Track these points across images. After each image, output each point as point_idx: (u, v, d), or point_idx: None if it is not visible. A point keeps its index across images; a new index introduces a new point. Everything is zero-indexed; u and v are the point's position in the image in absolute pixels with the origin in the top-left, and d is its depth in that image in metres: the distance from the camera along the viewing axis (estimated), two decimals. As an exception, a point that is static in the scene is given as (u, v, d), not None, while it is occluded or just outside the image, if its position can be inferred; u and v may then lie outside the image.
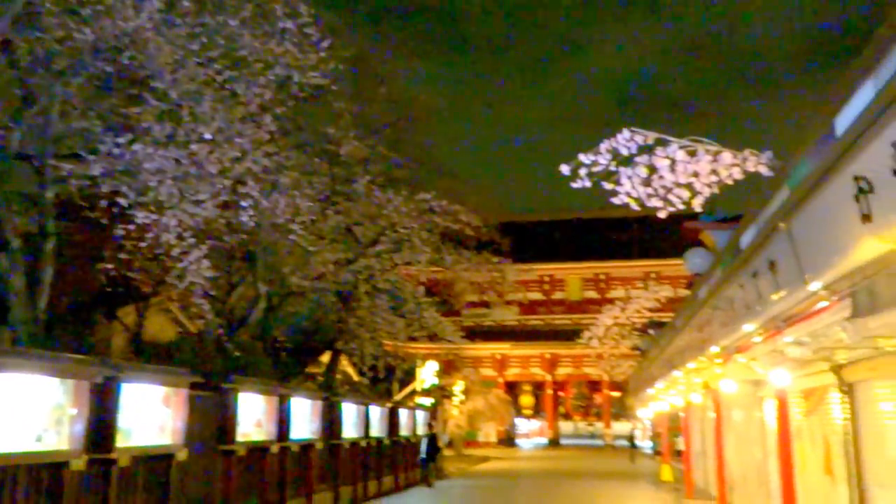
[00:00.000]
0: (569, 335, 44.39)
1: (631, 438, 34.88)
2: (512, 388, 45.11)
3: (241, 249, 15.56)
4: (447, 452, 27.84)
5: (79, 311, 17.84)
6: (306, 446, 13.13)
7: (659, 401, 17.34)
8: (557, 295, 48.10)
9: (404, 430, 19.40)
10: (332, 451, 14.61)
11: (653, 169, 4.63)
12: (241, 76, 9.39)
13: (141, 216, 9.23)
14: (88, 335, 18.25)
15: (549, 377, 45.75)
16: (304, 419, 13.14)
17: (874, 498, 7.51)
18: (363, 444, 16.26)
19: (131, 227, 9.63)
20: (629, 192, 4.70)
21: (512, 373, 46.20)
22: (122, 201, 9.28)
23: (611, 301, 46.85)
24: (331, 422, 14.58)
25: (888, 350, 6.80)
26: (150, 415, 8.41)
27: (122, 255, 11.42)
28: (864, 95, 3.27)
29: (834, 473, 8.52)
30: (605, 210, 51.73)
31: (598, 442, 47.32)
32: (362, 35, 15.46)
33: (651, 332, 18.79)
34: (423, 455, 19.47)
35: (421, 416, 21.82)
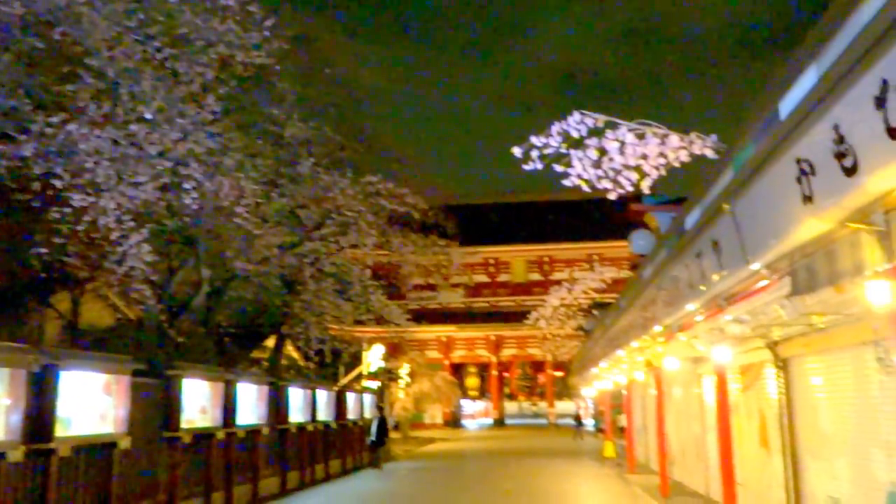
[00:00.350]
0: (514, 317, 45.13)
1: (577, 417, 35.69)
2: (458, 369, 45.50)
3: (182, 233, 15.17)
4: (394, 435, 27.93)
5: (9, 299, 17.15)
6: (253, 432, 12.98)
7: (602, 379, 17.74)
8: (502, 277, 48.58)
9: (351, 414, 19.37)
10: (279, 436, 14.49)
11: (603, 151, 4.70)
12: (181, 54, 9.09)
13: (77, 199, 8.89)
14: (20, 323, 17.57)
15: (494, 359, 46.29)
16: (251, 404, 12.98)
17: (806, 468, 7.87)
18: (310, 428, 16.17)
19: (67, 210, 9.26)
20: (580, 174, 4.76)
21: (458, 355, 46.58)
22: (57, 183, 8.91)
23: (555, 283, 47.69)
24: (277, 407, 14.44)
25: (820, 326, 7.12)
26: (91, 403, 8.17)
27: (57, 240, 11.00)
28: (807, 80, 3.39)
29: (769, 445, 8.89)
30: (550, 193, 52.53)
31: (542, 421, 48.21)
32: (305, 15, 15.15)
33: (595, 312, 19.17)
34: (372, 437, 19.26)
35: (368, 399, 21.80)
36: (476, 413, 53.37)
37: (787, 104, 3.60)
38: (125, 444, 8.72)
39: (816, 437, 7.65)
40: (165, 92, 8.65)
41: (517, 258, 48.16)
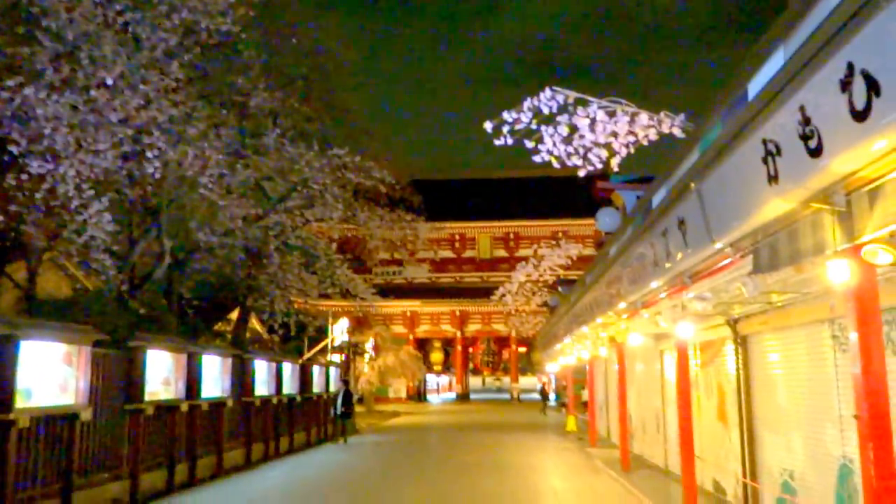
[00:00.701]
0: (479, 293, 45.39)
1: (543, 392, 36.13)
2: (422, 344, 45.72)
3: (144, 203, 14.89)
4: (358, 409, 28.01)
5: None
6: (217, 404, 12.91)
7: (566, 355, 17.97)
8: (468, 253, 48.75)
9: (317, 387, 19.36)
10: (244, 408, 14.44)
11: (573, 128, 4.71)
12: (144, 19, 8.83)
13: (35, 165, 8.66)
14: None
15: (458, 334, 46.57)
16: (215, 377, 12.89)
17: (762, 442, 8.11)
18: (275, 401, 16.14)
19: (24, 177, 9.02)
20: (550, 150, 4.77)
21: (422, 330, 46.76)
22: (13, 149, 8.65)
23: (520, 259, 48.12)
24: (242, 380, 14.37)
25: (779, 304, 7.30)
26: (52, 374, 8.03)
27: (14, 208, 10.72)
28: (775, 62, 3.43)
29: (727, 420, 9.14)
30: (516, 170, 52.75)
31: (506, 396, 48.79)
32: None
33: (561, 289, 19.34)
34: (338, 410, 19.17)
35: (333, 372, 21.81)
36: (440, 387, 53.80)
37: (756, 85, 3.65)
38: (87, 415, 8.60)
39: (772, 412, 7.89)
40: (127, 57, 8.41)
41: (483, 234, 48.34)
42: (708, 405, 9.94)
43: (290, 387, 17.21)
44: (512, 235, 48.70)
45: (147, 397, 10.31)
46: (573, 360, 17.44)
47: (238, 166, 15.54)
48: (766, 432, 8.05)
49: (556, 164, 4.87)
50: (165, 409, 11.07)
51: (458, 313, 46.31)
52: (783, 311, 7.24)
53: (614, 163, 4.87)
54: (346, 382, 20.48)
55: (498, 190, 48.76)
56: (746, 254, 4.44)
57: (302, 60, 16.98)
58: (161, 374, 10.95)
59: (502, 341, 47.88)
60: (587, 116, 4.62)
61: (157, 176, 10.06)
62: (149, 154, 9.28)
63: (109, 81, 8.21)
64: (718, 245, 4.60)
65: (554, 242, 46.09)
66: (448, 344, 47.72)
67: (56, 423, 8.26)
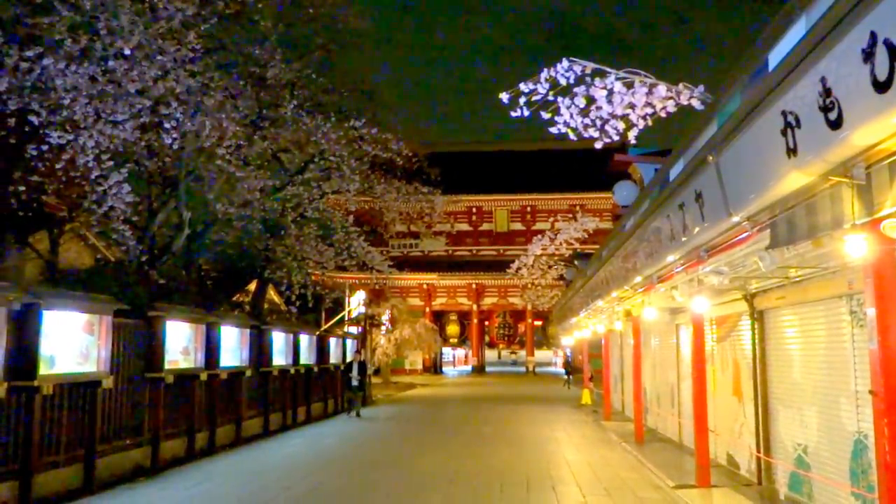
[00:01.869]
0: (495, 266, 45.36)
1: (566, 364, 35.81)
2: (438, 317, 45.91)
3: (163, 174, 15.00)
4: (375, 380, 28.29)
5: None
6: (235, 374, 13.09)
7: (582, 329, 17.98)
8: (485, 226, 48.65)
9: (333, 359, 19.56)
10: (262, 378, 14.64)
11: (590, 100, 4.66)
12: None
13: (55, 136, 8.73)
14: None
15: (475, 307, 46.69)
16: (233, 347, 13.06)
17: (777, 416, 8.11)
18: (292, 371, 16.33)
19: (44, 147, 9.10)
20: (567, 121, 4.72)
21: (439, 302, 46.91)
22: (34, 119, 8.73)
23: (537, 233, 47.96)
24: (260, 350, 14.54)
25: (796, 279, 7.25)
26: (74, 342, 8.18)
27: (35, 178, 10.85)
28: (796, 31, 3.37)
29: (742, 394, 9.13)
30: (534, 143, 52.38)
31: (521, 369, 49.02)
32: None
33: (577, 262, 19.27)
34: (355, 382, 18.88)
35: (350, 344, 21.99)
36: (456, 360, 54.13)
37: (776, 56, 3.59)
38: (108, 383, 8.77)
39: (787, 387, 7.87)
40: (144, 27, 8.41)
41: (500, 208, 48.17)
42: (723, 379, 9.94)
43: (307, 358, 17.40)
44: (529, 209, 48.52)
45: (167, 366, 10.48)
46: (588, 333, 17.45)
47: (255, 137, 15.58)
48: (780, 407, 8.04)
49: (572, 137, 4.83)
50: (185, 377, 11.26)
51: (474, 286, 46.38)
52: (800, 286, 7.19)
53: (631, 135, 4.81)
54: (359, 353, 20.31)
55: (515, 163, 48.48)
56: (764, 228, 4.40)
57: (319, 31, 16.89)
58: (180, 343, 11.11)
59: (518, 315, 47.89)
60: (604, 88, 4.56)
61: (175, 147, 10.11)
62: (166, 125, 9.32)
63: (127, 51, 8.23)
64: (735, 219, 4.57)
65: (571, 216, 46.07)
66: (464, 317, 47.86)
67: (79, 390, 8.43)
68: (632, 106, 4.61)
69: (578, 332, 19.14)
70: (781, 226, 4.19)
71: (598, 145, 4.91)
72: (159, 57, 8.66)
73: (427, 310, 45.21)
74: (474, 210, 47.72)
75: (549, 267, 21.59)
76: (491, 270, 44.68)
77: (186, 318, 11.26)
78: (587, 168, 46.77)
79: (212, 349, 12.03)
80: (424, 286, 45.81)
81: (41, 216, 16.94)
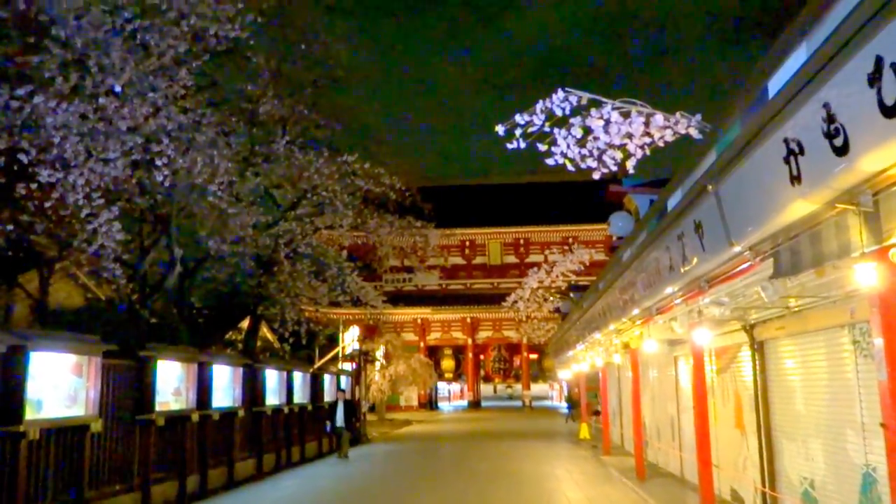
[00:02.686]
0: (489, 299, 45.21)
1: (570, 398, 34.86)
2: (433, 352, 45.58)
3: (154, 212, 14.89)
4: (370, 417, 27.90)
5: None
6: (228, 414, 12.84)
7: (579, 362, 17.82)
8: (478, 259, 48.65)
9: (328, 396, 19.27)
10: (255, 418, 14.36)
11: (587, 130, 4.61)
12: (152, 26, 8.79)
13: (45, 174, 8.63)
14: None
15: (469, 341, 46.43)
16: (226, 387, 12.83)
17: (781, 450, 7.95)
18: (286, 410, 16.06)
19: (33, 186, 9.00)
20: (564, 152, 4.66)
21: (433, 337, 46.64)
22: (23, 157, 8.63)
23: (531, 265, 47.95)
24: (253, 389, 14.30)
25: (796, 309, 7.16)
26: (62, 385, 7.99)
27: (25, 217, 10.72)
28: (797, 58, 3.33)
29: (744, 427, 8.97)
30: (525, 175, 52.68)
31: (518, 403, 48.55)
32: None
33: (573, 295, 19.17)
34: (339, 423, 17.49)
35: (344, 381, 21.71)
36: (452, 395, 53.61)
37: (776, 82, 3.55)
38: (97, 426, 8.55)
39: (791, 419, 7.73)
40: (135, 64, 8.38)
41: (493, 240, 48.25)
42: (724, 412, 9.78)
43: (301, 396, 17.14)
44: (522, 241, 48.61)
45: (158, 408, 10.25)
46: (586, 366, 17.27)
47: (248, 174, 15.53)
48: (784, 440, 7.89)
49: (569, 167, 4.76)
50: (176, 419, 11.02)
51: (469, 320, 46.17)
52: (800, 315, 7.10)
53: (629, 165, 4.75)
54: (343, 391, 19.13)
55: (508, 196, 48.72)
56: (766, 257, 4.32)
57: (311, 67, 16.98)
58: (171, 384, 10.90)
59: (513, 348, 47.66)
60: (601, 118, 4.51)
61: (167, 184, 10.02)
62: (158, 162, 9.24)
63: (118, 89, 8.18)
64: (737, 249, 4.49)
65: (566, 248, 46.08)
66: (459, 351, 47.55)
67: (66, 434, 8.20)
68: (629, 136, 4.56)
69: (576, 364, 18.96)
70: (785, 255, 4.11)
71: (596, 176, 4.85)
72: (150, 94, 8.62)
73: (422, 345, 44.90)
74: (467, 243, 47.74)
75: (545, 300, 21.47)
76: (485, 304, 44.52)
77: (177, 358, 11.06)
78: (580, 200, 47.02)
79: (203, 389, 11.81)
80: (419, 321, 45.57)
81: (31, 255, 16.77)
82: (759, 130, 3.61)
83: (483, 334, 47.07)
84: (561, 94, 4.55)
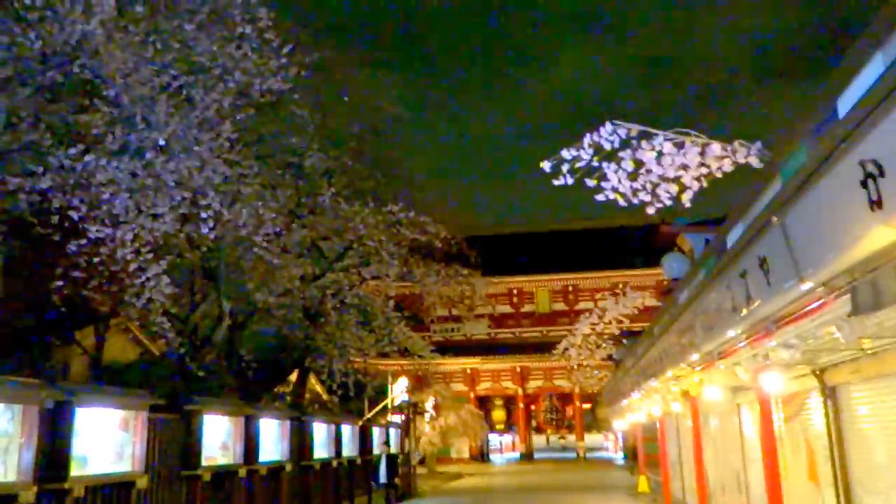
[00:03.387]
0: (539, 348, 44.41)
1: (631, 448, 33.33)
2: (483, 402, 44.75)
3: (203, 266, 15.05)
4: (420, 470, 27.32)
5: (32, 335, 17.10)
6: (275, 469, 12.62)
7: (634, 411, 17.15)
8: (526, 308, 48.04)
9: (377, 449, 18.91)
10: (303, 473, 14.10)
11: (639, 163, 4.37)
12: (197, 82, 8.94)
13: (94, 230, 8.73)
14: (43, 360, 17.51)
15: (520, 391, 45.53)
16: (273, 440, 12.65)
17: (860, 502, 7.34)
18: (334, 464, 15.76)
19: (84, 242, 9.11)
20: (615, 186, 4.42)
21: (483, 387, 45.88)
22: (74, 214, 8.77)
23: (580, 312, 47.09)
24: (301, 442, 14.08)
25: (870, 351, 6.66)
26: (108, 440, 7.90)
27: (77, 274, 10.87)
28: (871, 71, 3.06)
29: (818, 479, 8.35)
30: (571, 222, 52.33)
31: (571, 455, 47.16)
32: (323, 45, 15.14)
33: (625, 341, 18.57)
34: (382, 479, 16.62)
35: (394, 433, 21.33)
36: (503, 447, 52.40)
37: (847, 101, 3.27)
38: (143, 483, 8.42)
39: (870, 471, 7.14)
40: (180, 118, 8.50)
41: (541, 288, 47.66)
42: (796, 463, 9.15)
43: (350, 449, 16.84)
44: (570, 288, 47.91)
45: (204, 462, 10.11)
46: (642, 416, 16.59)
47: (294, 226, 15.63)
48: (863, 493, 7.28)
49: (621, 202, 4.52)
50: (223, 474, 10.84)
51: (518, 369, 45.38)
52: (878, 357, 6.60)
53: (685, 198, 4.48)
54: (386, 445, 17.83)
55: (554, 242, 48.27)
56: (842, 293, 3.97)
57: (354, 119, 17.19)
58: (218, 438, 10.77)
59: (565, 398, 46.58)
60: (653, 149, 4.27)
61: (214, 237, 10.06)
62: (204, 215, 9.29)
63: (162, 142, 8.28)
64: (808, 285, 4.14)
65: (613, 295, 45.29)
66: (509, 401, 46.63)
67: (112, 491, 8.09)
68: (684, 167, 4.30)
69: (631, 414, 18.25)
70: (864, 290, 3.75)
71: (651, 210, 4.58)
72: (196, 148, 8.71)
73: (471, 395, 44.17)
74: (515, 291, 47.24)
75: (597, 346, 20.82)
76: (535, 352, 43.74)
77: (224, 411, 10.94)
78: (628, 245, 46.35)
79: (251, 443, 11.63)
80: (468, 371, 44.96)
81: (86, 312, 17.10)
82: (830, 154, 3.32)
83: (534, 384, 46.16)
84: (609, 126, 4.34)
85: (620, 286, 46.30)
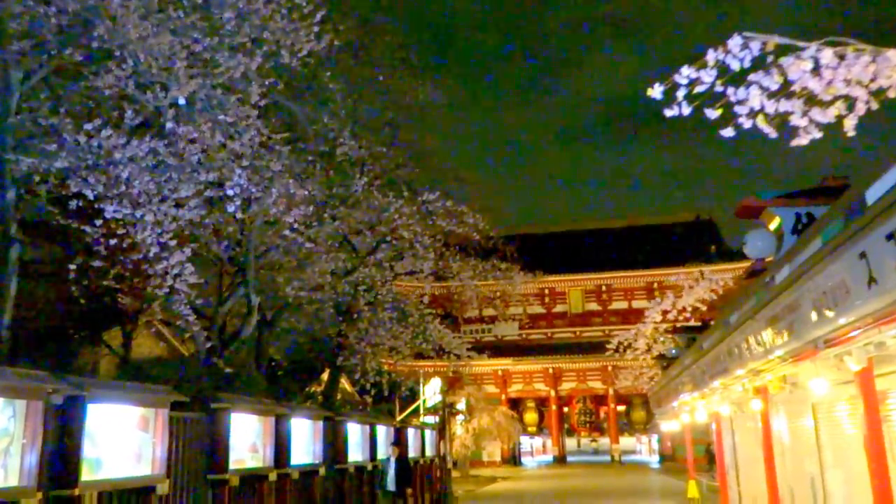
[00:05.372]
0: (572, 349, 43.34)
1: (707, 447, 30.81)
2: (515, 405, 43.72)
3: (231, 258, 14.32)
4: (453, 474, 26.37)
5: (59, 335, 16.58)
6: (308, 473, 11.75)
7: (690, 411, 16.03)
8: (559, 308, 47.06)
9: (412, 452, 18.00)
10: (337, 476, 13.23)
11: (786, 80, 3.41)
12: (222, 45, 8.09)
13: (111, 210, 7.94)
14: (70, 361, 16.95)
15: (552, 392, 44.50)
16: (305, 442, 11.80)
17: None
18: (369, 467, 14.87)
19: (98, 223, 8.34)
20: (757, 108, 3.45)
21: (514, 389, 44.92)
22: (89, 192, 7.98)
23: (613, 313, 45.94)
24: (335, 444, 13.22)
25: None
26: (124, 441, 7.09)
27: (97, 263, 10.12)
28: None
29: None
30: (604, 221, 51.21)
31: (604, 458, 45.91)
32: (356, 27, 14.33)
33: (677, 337, 17.50)
34: (389, 487, 13.10)
35: (429, 436, 20.41)
36: (535, 450, 51.22)
37: None
38: (164, 488, 7.59)
39: None
40: (203, 78, 7.65)
41: (574, 288, 46.56)
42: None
43: (383, 451, 15.94)
44: (604, 287, 46.78)
45: (232, 465, 9.26)
46: (698, 417, 15.45)
47: (325, 216, 14.84)
48: None
49: (764, 128, 3.55)
50: (252, 478, 10.00)
51: (551, 371, 44.33)
52: None
53: (849, 124, 3.52)
54: (396, 447, 13.90)
55: (586, 242, 47.23)
56: None
57: (388, 104, 16.35)
58: (248, 439, 9.93)
59: (599, 399, 45.29)
60: (809, 60, 3.30)
61: (239, 216, 9.23)
62: (230, 191, 8.44)
63: (182, 101, 7.42)
64: None
65: (646, 294, 43.91)
66: (542, 404, 45.51)
67: (129, 497, 7.26)
68: (847, 81, 3.33)
69: (686, 415, 17.12)
70: None
71: (804, 141, 3.61)
72: (220, 116, 7.86)
73: (503, 397, 43.21)
74: (547, 291, 46.15)
75: (655, 341, 19.62)
76: (567, 353, 42.73)
77: (253, 410, 10.11)
78: (661, 243, 45.10)
79: (282, 445, 10.78)
80: (499, 372, 43.97)
81: (114, 311, 16.52)
82: None
83: (567, 385, 45.09)
84: (738, 39, 3.39)
85: (655, 285, 45.29)
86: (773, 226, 8.38)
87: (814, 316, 5.60)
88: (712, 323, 11.51)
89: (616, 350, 21.02)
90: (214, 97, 7.61)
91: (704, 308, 16.91)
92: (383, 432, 16.06)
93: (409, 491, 13.37)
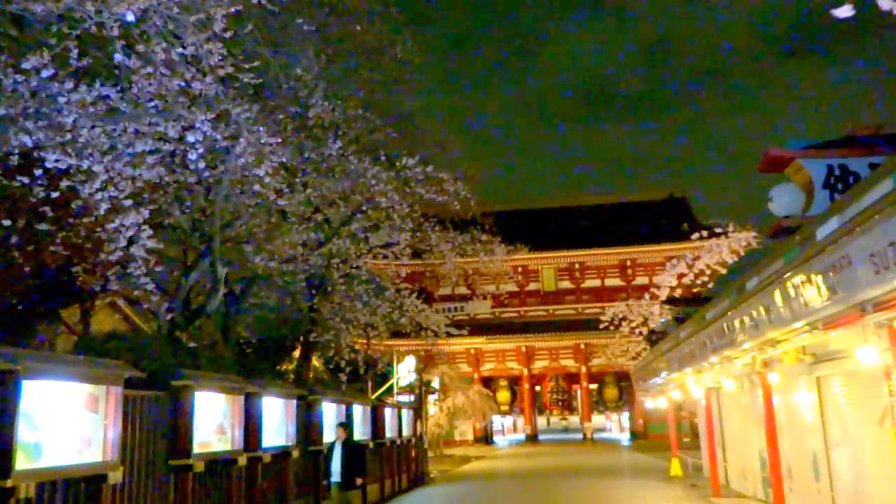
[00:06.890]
0: (544, 327, 42.94)
1: (690, 423, 30.07)
2: (487, 383, 43.25)
3: (195, 227, 13.29)
4: (429, 453, 25.72)
5: (12, 313, 15.44)
6: (280, 455, 10.88)
7: (678, 388, 15.52)
8: (532, 286, 46.62)
9: (389, 432, 17.23)
10: (311, 459, 12.39)
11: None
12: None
13: (52, 158, 6.91)
14: (25, 339, 15.82)
15: (525, 371, 44.14)
16: (277, 423, 10.92)
17: None
18: (345, 449, 14.03)
19: (39, 173, 7.30)
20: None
21: (487, 368, 44.53)
22: (27, 139, 6.92)
23: (586, 291, 45.57)
24: (308, 425, 12.38)
25: None
26: (69, 424, 6.15)
27: (42, 226, 9.05)
28: None
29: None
30: (577, 198, 50.81)
31: (576, 436, 45.77)
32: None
33: (668, 310, 16.87)
34: (335, 478, 10.85)
35: (406, 415, 19.66)
36: (506, 429, 50.92)
37: None
38: (117, 476, 6.66)
39: None
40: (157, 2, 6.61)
41: (546, 266, 46.15)
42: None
43: (361, 432, 15.14)
44: (577, 266, 46.46)
45: (197, 449, 8.35)
46: (698, 391, 14.87)
47: (297, 182, 13.86)
48: None
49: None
50: (220, 463, 9.11)
51: (524, 349, 43.98)
52: None
53: None
54: (344, 428, 11.51)
55: (559, 220, 46.80)
56: None
57: (363, 63, 15.33)
58: (214, 420, 9.03)
59: (571, 378, 45.04)
60: None
61: (203, 172, 8.23)
62: (191, 138, 7.43)
63: (131, 17, 6.35)
64: None
65: (619, 272, 43.53)
66: (514, 382, 45.13)
67: (75, 487, 6.33)
68: None
69: (674, 392, 16.60)
70: None
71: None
72: (178, 49, 6.83)
73: (476, 376, 42.76)
74: (520, 269, 45.55)
75: (652, 314, 18.81)
76: (539, 331, 42.38)
77: (220, 388, 9.19)
78: (635, 222, 44.80)
79: (252, 426, 9.89)
80: (472, 351, 43.47)
81: (72, 288, 15.43)
82: None
83: (539, 364, 44.80)
84: None
85: (629, 263, 45.00)
86: (802, 180, 7.63)
87: (867, 274, 4.89)
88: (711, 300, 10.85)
89: (611, 324, 20.33)
90: (170, 14, 6.51)
91: (724, 271, 15.97)
92: (360, 412, 15.25)
93: (360, 481, 11.13)
